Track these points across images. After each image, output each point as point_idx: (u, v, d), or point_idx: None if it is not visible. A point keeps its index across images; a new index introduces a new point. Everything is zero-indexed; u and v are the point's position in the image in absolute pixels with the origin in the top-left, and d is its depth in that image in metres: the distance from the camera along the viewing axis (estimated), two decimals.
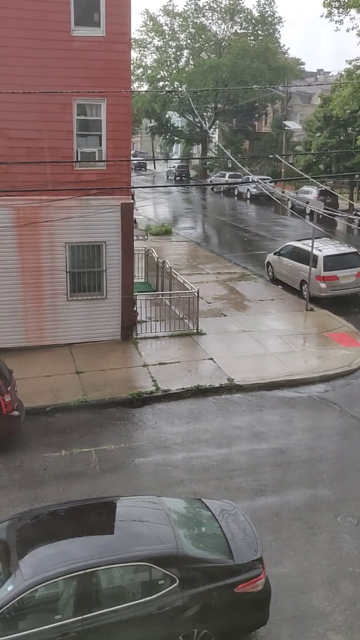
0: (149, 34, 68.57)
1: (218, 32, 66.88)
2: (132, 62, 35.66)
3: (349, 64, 34.96)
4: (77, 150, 16.65)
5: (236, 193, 56.08)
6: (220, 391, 15.45)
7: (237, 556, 7.93)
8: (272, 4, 67.21)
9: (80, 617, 7.16)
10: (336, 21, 33.76)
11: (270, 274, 25.46)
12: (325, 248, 22.78)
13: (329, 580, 9.28)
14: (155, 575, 7.56)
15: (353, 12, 32.95)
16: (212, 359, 17.19)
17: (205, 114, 68.92)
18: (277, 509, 10.95)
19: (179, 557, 7.67)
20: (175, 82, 65.94)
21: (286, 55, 68.93)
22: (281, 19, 67.87)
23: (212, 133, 71.58)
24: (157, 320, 19.14)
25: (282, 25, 77.58)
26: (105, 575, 7.48)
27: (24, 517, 8.55)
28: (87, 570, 7.27)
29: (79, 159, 16.63)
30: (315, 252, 21.73)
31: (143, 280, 23.54)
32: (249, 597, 7.83)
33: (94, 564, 7.34)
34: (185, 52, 69.38)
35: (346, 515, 10.74)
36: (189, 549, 7.88)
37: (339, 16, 33.43)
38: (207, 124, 68.15)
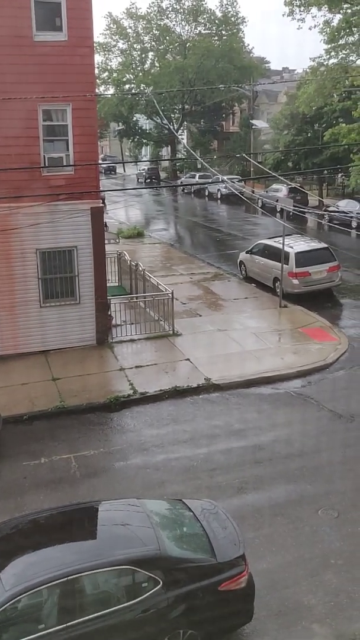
0: (113, 37, 68.52)
1: (182, 34, 67.10)
2: (97, 65, 35.65)
3: (313, 61, 35.24)
4: (44, 155, 16.56)
5: (207, 193, 56.28)
6: (198, 391, 15.47)
7: (220, 554, 7.95)
8: (235, 4, 67.47)
9: (65, 625, 7.12)
10: (298, 19, 33.94)
11: (244, 272, 25.58)
12: (296, 245, 22.95)
13: (312, 573, 9.35)
14: (138, 578, 7.54)
15: (314, 10, 33.22)
16: (188, 359, 17.22)
17: (173, 115, 68.99)
18: (258, 505, 11.00)
19: (161, 559, 7.66)
20: (142, 85, 66.00)
21: (251, 55, 69.36)
22: (244, 19, 68.15)
23: (181, 134, 71.71)
24: (132, 323, 19.12)
25: (246, 25, 78.02)
26: (88, 581, 7.45)
27: (3, 528, 8.46)
28: (69, 577, 7.22)
29: (47, 165, 16.55)
30: (286, 249, 21.88)
31: (117, 284, 23.49)
32: (233, 595, 7.86)
33: (76, 570, 7.30)
34: (150, 55, 69.46)
35: (327, 508, 10.83)
36: (172, 550, 7.88)
37: (301, 14, 33.62)
38: (175, 125, 68.23)
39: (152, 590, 7.48)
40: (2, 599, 6.97)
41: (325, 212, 37.20)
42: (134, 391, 15.34)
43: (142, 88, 65.28)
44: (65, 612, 7.19)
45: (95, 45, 18.97)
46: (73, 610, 7.24)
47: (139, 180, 69.93)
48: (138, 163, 76.10)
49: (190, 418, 14.40)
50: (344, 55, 33.73)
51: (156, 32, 67.25)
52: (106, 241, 18.66)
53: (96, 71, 17.84)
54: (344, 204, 38.45)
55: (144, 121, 75.48)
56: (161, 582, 7.53)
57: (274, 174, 29.08)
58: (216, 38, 66.34)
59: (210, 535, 8.23)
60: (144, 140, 76.68)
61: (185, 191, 59.91)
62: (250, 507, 10.92)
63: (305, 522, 10.50)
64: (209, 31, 66.67)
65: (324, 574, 9.32)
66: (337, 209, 37.76)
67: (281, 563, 9.56)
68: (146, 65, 69.44)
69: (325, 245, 23.57)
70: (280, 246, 21.82)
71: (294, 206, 23.93)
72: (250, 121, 59.92)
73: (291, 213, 24.22)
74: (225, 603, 7.84)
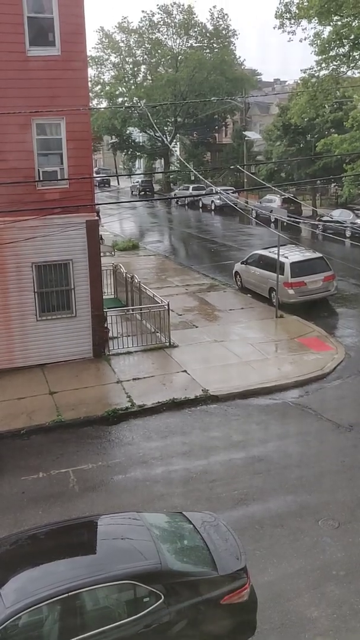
0: (106, 51, 69.02)
1: (174, 47, 67.56)
2: (89, 79, 35.76)
3: (304, 72, 35.51)
4: (38, 169, 16.59)
5: (201, 205, 56.49)
6: (196, 403, 15.43)
7: (221, 567, 7.89)
8: (226, 17, 68.12)
9: None
10: (289, 32, 34.20)
11: (239, 283, 25.62)
12: (291, 255, 23.02)
13: (314, 585, 9.29)
14: (140, 593, 7.46)
15: (304, 22, 33.50)
16: (185, 371, 17.19)
17: (166, 128, 69.35)
18: (258, 517, 10.94)
19: (163, 573, 7.59)
20: (134, 98, 66.34)
21: (242, 67, 69.87)
22: (235, 31, 68.72)
23: (174, 147, 72.06)
24: (129, 336, 19.09)
25: (237, 38, 78.66)
26: (89, 597, 7.36)
27: (2, 544, 8.38)
28: (70, 593, 7.14)
29: (41, 179, 16.58)
30: (281, 259, 21.94)
31: (112, 296, 23.48)
32: (235, 608, 7.78)
33: (77, 585, 7.22)
34: (143, 68, 69.98)
35: (327, 518, 10.79)
36: (173, 564, 7.81)
37: (291, 27, 33.86)
38: (168, 138, 68.57)
39: (154, 605, 7.40)
40: (2, 617, 6.89)
41: (319, 222, 37.35)
42: (131, 404, 15.29)
43: (135, 101, 65.63)
44: (67, 629, 7.10)
45: (87, 59, 19.05)
46: (74, 626, 7.15)
47: (133, 192, 70.21)
48: (132, 176, 76.35)
49: (188, 430, 14.35)
50: (334, 67, 33.99)
51: (148, 45, 67.77)
52: (101, 254, 18.66)
53: (89, 85, 17.91)
54: (338, 214, 38.66)
55: (137, 134, 75.86)
56: (163, 597, 7.44)
57: (267, 184, 29.22)
58: (208, 51, 66.85)
59: (211, 548, 8.16)
60: (137, 153, 77.03)
61: (179, 203, 60.11)
62: (250, 519, 10.86)
63: (306, 533, 10.45)
64: (201, 44, 67.18)
65: (326, 586, 9.26)
66: (331, 219, 37.94)
67: (283, 575, 9.50)
68: (138, 79, 69.94)
69: (320, 255, 23.64)
70: (275, 256, 21.88)
71: (288, 216, 24.01)
72: (243, 133, 60.27)
73: (285, 223, 24.29)
74: (227, 617, 7.76)
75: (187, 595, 7.63)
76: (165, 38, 67.65)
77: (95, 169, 66.82)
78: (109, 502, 11.48)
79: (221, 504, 11.21)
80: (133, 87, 68.12)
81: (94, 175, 21.17)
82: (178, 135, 71.44)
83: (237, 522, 10.17)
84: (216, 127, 72.88)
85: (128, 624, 7.29)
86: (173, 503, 11.30)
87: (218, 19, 66.68)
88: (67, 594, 7.12)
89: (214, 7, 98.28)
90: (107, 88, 68.54)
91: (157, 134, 66.77)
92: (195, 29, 67.14)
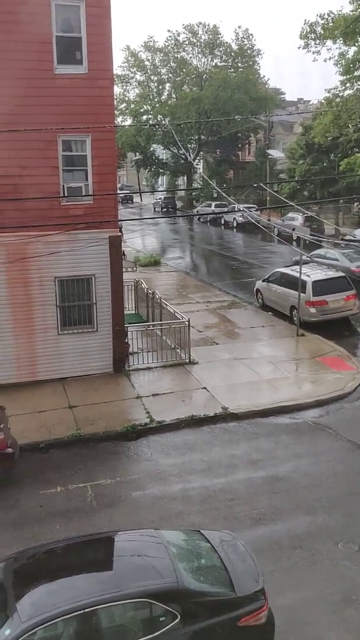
0: (131, 69, 69.91)
1: (199, 66, 68.25)
2: (115, 97, 36.23)
3: (328, 92, 35.66)
4: (63, 185, 16.78)
5: (223, 222, 56.60)
6: (215, 420, 15.36)
7: (239, 588, 7.79)
8: (251, 37, 68.70)
9: None
10: (313, 52, 34.47)
11: (260, 300, 25.57)
12: (313, 273, 22.93)
13: (333, 609, 9.12)
14: (156, 612, 7.38)
15: (329, 43, 33.70)
16: (205, 388, 17.14)
17: (189, 145, 69.89)
18: (277, 537, 10.81)
19: (179, 592, 7.50)
20: (159, 116, 67.02)
21: (266, 86, 70.31)
22: (260, 51, 69.26)
23: (197, 164, 72.50)
24: (149, 351, 19.10)
25: (261, 57, 79.22)
26: (105, 614, 7.30)
27: (20, 558, 8.38)
28: (86, 610, 7.10)
29: (66, 194, 16.75)
30: (303, 277, 21.87)
31: (133, 312, 23.56)
32: (252, 631, 7.66)
33: (93, 602, 7.17)
34: (167, 86, 70.73)
35: (347, 541, 10.62)
36: (190, 583, 7.72)
37: (316, 47, 34.15)
38: (191, 155, 69.03)
39: (170, 625, 7.30)
40: (18, 631, 6.86)
41: (341, 241, 37.19)
42: (150, 420, 15.26)
43: (159, 119, 66.25)
44: None
45: (114, 77, 19.30)
46: None
47: (156, 209, 70.61)
48: (155, 193, 76.85)
49: (207, 447, 14.27)
50: (359, 87, 34.07)
51: (173, 64, 68.53)
52: (123, 269, 18.76)
53: (114, 102, 18.16)
54: None
55: (160, 151, 76.48)
56: (179, 616, 7.35)
57: (290, 202, 29.22)
58: (232, 70, 67.40)
59: (228, 568, 8.07)
60: (160, 170, 77.59)
61: (202, 220, 60.33)
62: (268, 539, 10.73)
63: (325, 556, 10.29)
64: (225, 63, 67.80)
65: (346, 611, 9.09)
66: (354, 238, 37.75)
67: (301, 598, 9.35)
68: (163, 97, 70.65)
69: (342, 274, 23.53)
70: (298, 275, 21.81)
71: (310, 235, 23.95)
72: (266, 151, 60.45)
73: (307, 241, 24.25)
74: (244, 639, 7.66)
75: (203, 616, 7.53)
76: (191, 57, 68.49)
77: (118, 186, 67.52)
78: (127, 518, 11.43)
79: (239, 523, 11.10)
80: (157, 105, 68.81)
81: (118, 191, 21.35)
82: (201, 152, 71.92)
83: (255, 542, 10.04)
84: (239, 145, 73.27)
85: None
86: (191, 521, 11.22)
87: (243, 39, 67.34)
88: (83, 610, 7.08)
89: (239, 27, 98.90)
90: (132, 106, 69.35)
91: (180, 152, 67.25)
92: (220, 49, 67.84)
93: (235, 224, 53.59)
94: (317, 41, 33.72)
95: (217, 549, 8.45)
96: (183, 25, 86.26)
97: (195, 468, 13.32)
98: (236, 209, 45.69)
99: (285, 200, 30.18)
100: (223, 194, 35.14)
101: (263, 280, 25.46)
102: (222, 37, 67.50)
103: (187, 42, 67.74)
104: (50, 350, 17.52)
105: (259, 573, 8.10)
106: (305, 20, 34.27)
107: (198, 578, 8.01)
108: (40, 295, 17.21)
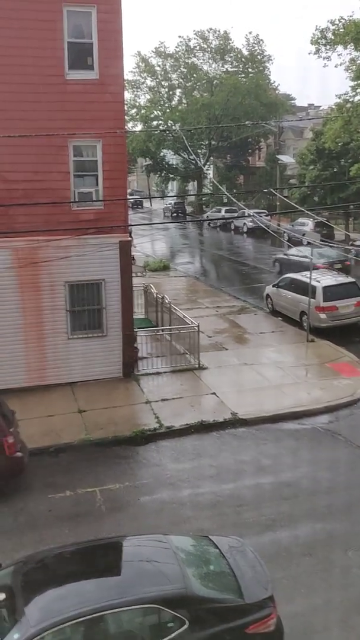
0: (142, 74, 70.02)
1: (209, 71, 68.27)
2: (125, 102, 36.41)
3: (339, 98, 35.61)
4: (74, 190, 16.85)
5: (232, 227, 56.57)
6: (224, 426, 15.33)
7: (248, 595, 7.74)
8: (261, 42, 68.70)
9: None
10: (324, 57, 34.46)
11: (270, 306, 25.53)
12: (323, 279, 22.88)
13: (343, 617, 9.06)
14: (164, 618, 7.34)
15: (340, 48, 33.66)
16: (214, 393, 17.11)
17: (200, 150, 69.88)
18: (286, 544, 10.76)
19: (188, 598, 7.47)
20: (169, 121, 67.04)
21: (277, 92, 70.25)
22: (270, 56, 69.32)
23: (207, 169, 72.51)
24: (158, 356, 19.11)
25: (272, 63, 79.19)
26: (113, 619, 7.28)
27: (29, 561, 8.37)
28: (95, 615, 7.08)
29: (76, 199, 16.82)
30: (313, 283, 21.82)
31: (143, 316, 23.57)
32: (261, 638, 7.61)
33: (102, 607, 7.15)
34: (178, 92, 70.75)
35: (357, 549, 10.54)
36: (198, 589, 7.68)
37: (327, 53, 34.11)
38: (201, 160, 69.06)
39: (178, 631, 7.26)
40: (27, 635, 6.85)
41: (352, 247, 37.08)
42: (159, 425, 15.25)
43: (169, 124, 66.37)
44: None
45: (124, 82, 19.39)
46: None
47: (166, 214, 70.70)
48: (164, 198, 77.00)
49: (216, 453, 14.24)
50: None
51: (184, 70, 68.63)
52: (133, 274, 18.79)
53: (125, 108, 18.17)
54: None
55: (171, 156, 76.57)
56: (187, 623, 7.31)
57: (300, 208, 29.16)
58: (243, 75, 67.39)
59: (237, 574, 8.03)
60: (170, 175, 77.67)
61: (211, 225, 60.33)
62: (277, 546, 10.68)
63: (335, 563, 10.23)
64: (236, 69, 67.81)
65: (356, 619, 9.02)
66: None
67: (310, 606, 9.29)
68: (174, 102, 70.73)
69: (353, 280, 23.46)
70: (308, 280, 21.76)
71: (320, 240, 23.92)
72: (277, 156, 60.37)
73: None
74: None
75: (212, 623, 7.49)
76: (201, 63, 68.49)
77: (129, 191, 67.80)
78: (135, 523, 11.42)
79: (248, 529, 11.05)
80: (168, 110, 68.91)
81: (128, 196, 21.42)
82: (211, 158, 71.93)
83: (264, 549, 9.99)
84: (250, 151, 73.20)
85: None
86: (199, 526, 11.19)
87: (253, 45, 67.34)
88: (91, 616, 7.06)
89: (250, 32, 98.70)
90: (143, 111, 69.46)
91: (191, 157, 67.28)
92: (231, 54, 67.87)
93: (245, 229, 53.53)
94: (328, 47, 33.71)
95: (226, 555, 8.41)
96: (194, 31, 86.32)
97: (204, 473, 13.29)
98: (246, 214, 45.70)
99: (295, 205, 30.16)
100: (233, 199, 35.22)
101: (273, 286, 25.42)
102: (232, 42, 67.62)
103: (197, 48, 67.83)
104: (59, 354, 17.56)
105: (268, 580, 8.06)
106: (317, 26, 34.17)
107: (206, 584, 7.98)
108: (51, 300, 17.26)
